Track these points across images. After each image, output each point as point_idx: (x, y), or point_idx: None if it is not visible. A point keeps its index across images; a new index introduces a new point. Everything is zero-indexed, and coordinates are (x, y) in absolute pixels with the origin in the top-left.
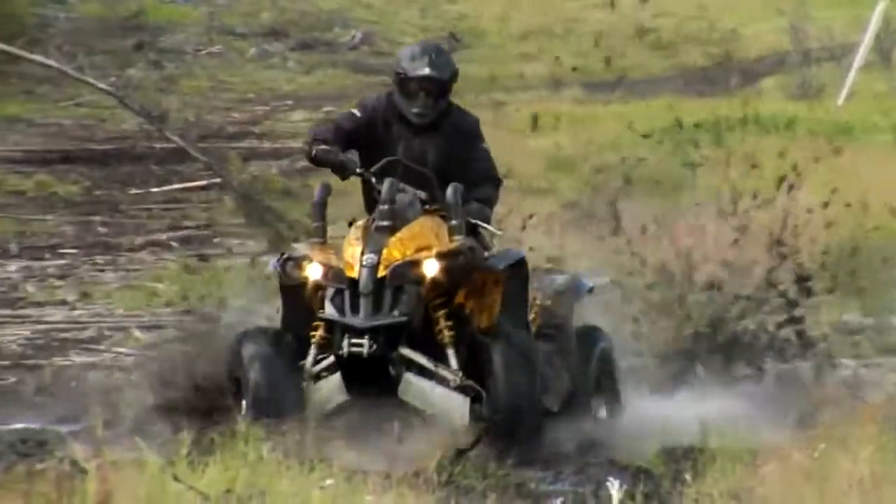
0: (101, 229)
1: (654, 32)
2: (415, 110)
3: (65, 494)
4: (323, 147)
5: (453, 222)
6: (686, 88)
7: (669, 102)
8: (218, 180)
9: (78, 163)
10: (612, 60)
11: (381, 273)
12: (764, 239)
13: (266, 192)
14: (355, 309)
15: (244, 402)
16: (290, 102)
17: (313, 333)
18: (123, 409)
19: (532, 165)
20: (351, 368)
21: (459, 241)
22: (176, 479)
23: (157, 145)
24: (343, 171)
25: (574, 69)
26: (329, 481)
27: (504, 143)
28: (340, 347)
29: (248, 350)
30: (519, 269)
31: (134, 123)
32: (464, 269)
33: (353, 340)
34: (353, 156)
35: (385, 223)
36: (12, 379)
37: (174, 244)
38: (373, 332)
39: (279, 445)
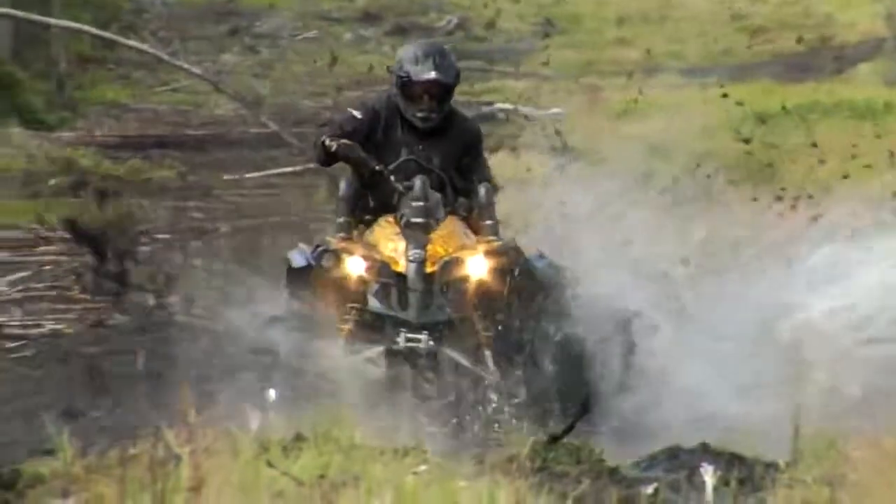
0: (196, 214)
1: (750, 18)
2: (419, 114)
3: (159, 479)
4: (345, 142)
5: (488, 222)
6: (781, 74)
7: (765, 88)
8: (312, 166)
9: (172, 148)
10: (708, 45)
11: (430, 269)
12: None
13: None
14: (403, 304)
15: (272, 386)
16: (384, 87)
17: (342, 327)
18: (217, 394)
19: (628, 150)
20: (402, 363)
21: (499, 241)
22: (269, 464)
23: (252, 130)
24: (366, 167)
25: (670, 54)
26: (422, 467)
27: (600, 129)
28: (395, 342)
29: (277, 333)
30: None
31: (229, 109)
32: (509, 268)
33: (410, 335)
34: None
35: (420, 219)
36: (107, 364)
37: (268, 229)
38: (430, 328)
39: (372, 431)
